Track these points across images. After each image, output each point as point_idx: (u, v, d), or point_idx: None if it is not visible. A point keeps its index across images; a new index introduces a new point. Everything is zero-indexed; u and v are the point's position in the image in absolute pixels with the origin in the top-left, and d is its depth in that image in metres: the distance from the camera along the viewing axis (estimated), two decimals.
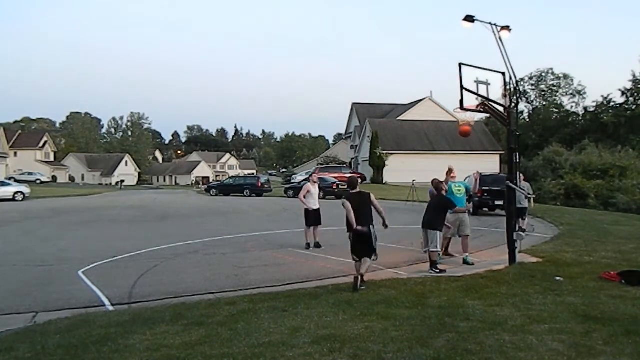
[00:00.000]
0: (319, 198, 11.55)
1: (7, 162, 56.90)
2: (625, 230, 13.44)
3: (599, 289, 6.32)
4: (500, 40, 8.33)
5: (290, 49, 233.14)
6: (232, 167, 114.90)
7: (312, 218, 11.05)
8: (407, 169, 37.35)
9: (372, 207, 7.23)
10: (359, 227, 6.93)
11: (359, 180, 9.79)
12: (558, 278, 7.00)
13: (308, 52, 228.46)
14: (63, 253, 10.88)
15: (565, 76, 59.91)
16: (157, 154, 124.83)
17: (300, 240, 11.26)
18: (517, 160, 8.43)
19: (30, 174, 56.78)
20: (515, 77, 8.50)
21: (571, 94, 60.21)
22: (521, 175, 10.07)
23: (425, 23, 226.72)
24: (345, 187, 9.93)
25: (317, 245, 10.86)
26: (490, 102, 8.28)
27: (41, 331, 5.17)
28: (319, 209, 11.20)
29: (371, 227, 7.08)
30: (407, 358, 3.98)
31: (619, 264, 7.96)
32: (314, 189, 11.33)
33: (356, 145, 53.64)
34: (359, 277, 6.74)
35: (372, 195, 7.34)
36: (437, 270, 7.91)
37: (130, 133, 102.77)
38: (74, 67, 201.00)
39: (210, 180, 76.80)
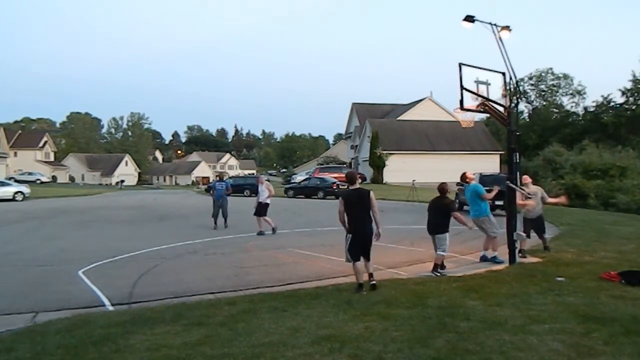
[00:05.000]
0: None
1: (7, 162, 56.86)
2: (625, 230, 13.44)
3: (599, 289, 6.31)
4: (500, 40, 8.34)
5: (290, 49, 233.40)
6: (232, 167, 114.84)
7: None
8: (407, 169, 37.41)
9: (371, 207, 6.65)
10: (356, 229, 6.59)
11: (359, 175, 9.44)
12: (560, 278, 6.99)
13: (308, 51, 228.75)
14: (63, 253, 10.89)
15: (565, 76, 59.91)
16: (157, 154, 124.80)
17: (300, 240, 11.23)
18: (517, 160, 8.43)
19: (30, 174, 56.68)
20: (515, 77, 8.52)
21: (571, 94, 60.17)
22: (526, 177, 9.63)
23: (426, 22, 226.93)
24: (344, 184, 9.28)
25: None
26: (490, 102, 8.29)
27: (41, 331, 5.16)
28: None
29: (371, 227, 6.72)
30: (407, 358, 3.97)
31: (619, 264, 7.95)
32: None
33: (356, 145, 53.63)
34: (370, 275, 6.67)
35: (372, 193, 6.77)
36: (438, 274, 7.82)
37: (130, 133, 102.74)
38: (74, 67, 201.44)
39: (210, 180, 76.75)
